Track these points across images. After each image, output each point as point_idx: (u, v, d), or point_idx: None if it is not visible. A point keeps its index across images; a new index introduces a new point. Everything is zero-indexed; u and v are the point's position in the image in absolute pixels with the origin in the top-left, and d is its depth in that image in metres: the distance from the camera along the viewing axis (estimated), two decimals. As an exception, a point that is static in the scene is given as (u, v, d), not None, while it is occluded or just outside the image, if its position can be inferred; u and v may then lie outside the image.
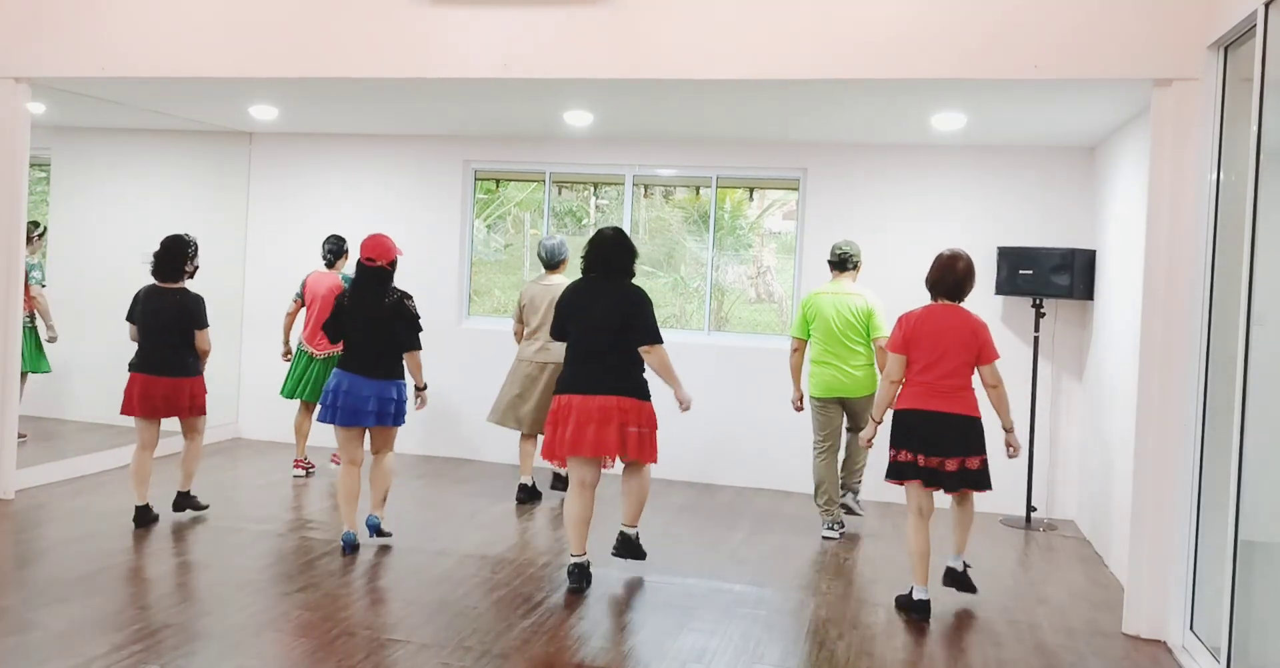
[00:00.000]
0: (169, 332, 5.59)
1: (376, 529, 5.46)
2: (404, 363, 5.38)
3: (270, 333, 8.19)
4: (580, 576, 4.94)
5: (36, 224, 7.10)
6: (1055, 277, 6.43)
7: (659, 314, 5.16)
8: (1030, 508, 6.68)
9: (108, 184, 8.10)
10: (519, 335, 6.65)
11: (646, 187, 8.26)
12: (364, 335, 5.29)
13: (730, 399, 7.32)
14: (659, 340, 4.93)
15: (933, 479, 4.67)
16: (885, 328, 5.86)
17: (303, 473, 7.07)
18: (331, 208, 8.12)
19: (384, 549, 5.40)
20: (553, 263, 6.58)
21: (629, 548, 5.19)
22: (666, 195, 8.95)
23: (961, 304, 4.84)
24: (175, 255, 5.63)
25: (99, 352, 7.87)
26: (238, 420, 8.25)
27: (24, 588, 4.60)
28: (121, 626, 4.17)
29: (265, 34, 5.62)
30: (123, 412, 5.67)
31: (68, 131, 8.08)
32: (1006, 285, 6.59)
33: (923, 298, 4.96)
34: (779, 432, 7.22)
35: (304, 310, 7.00)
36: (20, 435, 6.70)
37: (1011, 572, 5.57)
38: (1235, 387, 3.89)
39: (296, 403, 7.11)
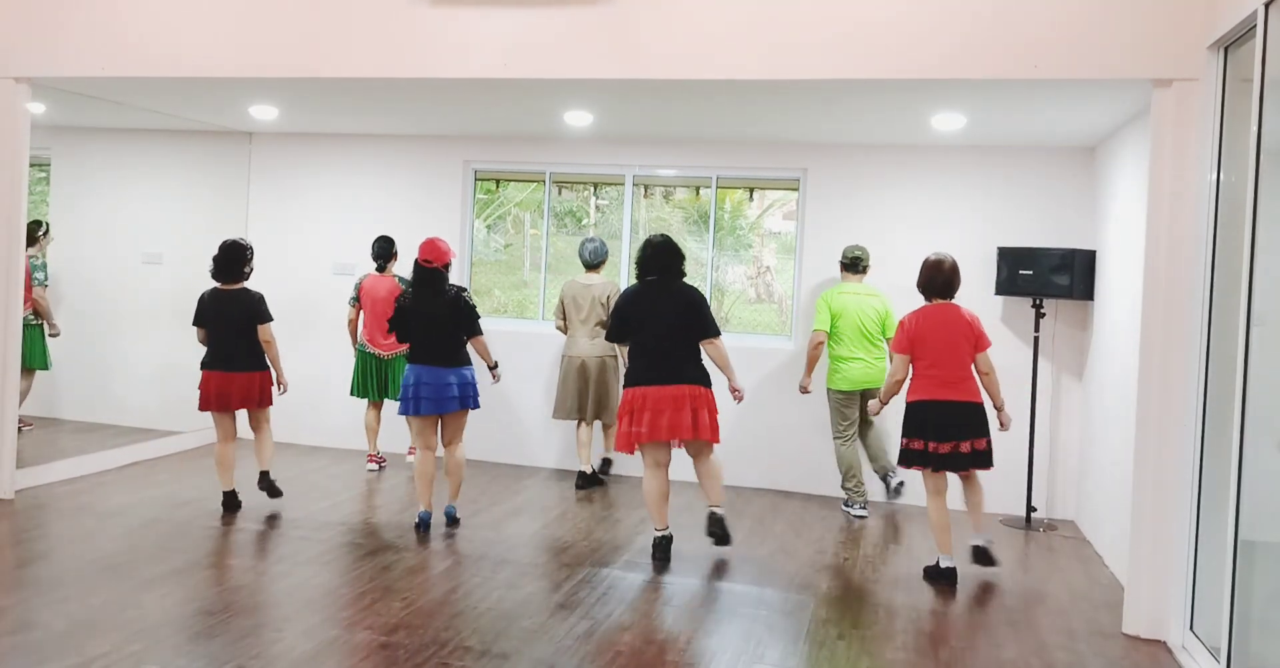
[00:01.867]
0: (236, 329, 6.01)
1: (453, 518, 5.93)
2: (468, 350, 5.85)
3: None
4: (664, 547, 5.47)
5: (40, 223, 7.17)
6: (1055, 277, 6.43)
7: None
8: (1030, 508, 6.69)
9: (108, 184, 8.09)
10: (563, 330, 7.11)
11: (646, 187, 8.26)
12: (430, 330, 5.72)
13: (730, 399, 7.30)
14: (718, 334, 5.48)
15: (945, 464, 5.14)
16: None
17: (376, 468, 7.31)
18: (331, 208, 8.12)
19: (384, 550, 5.41)
20: (594, 263, 7.05)
21: (720, 526, 5.49)
22: (666, 196, 8.95)
23: (953, 300, 5.30)
24: (235, 258, 6.04)
25: (99, 351, 7.89)
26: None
27: (24, 588, 4.60)
28: (121, 626, 4.18)
29: (265, 34, 5.62)
30: (200, 408, 6.06)
31: (68, 131, 8.08)
32: (1007, 285, 6.59)
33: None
34: (779, 432, 7.22)
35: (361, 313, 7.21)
36: (27, 425, 6.84)
37: (1011, 572, 5.57)
38: (1235, 387, 3.89)
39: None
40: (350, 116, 7.23)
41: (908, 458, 5.21)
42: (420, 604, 4.60)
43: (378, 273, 7.09)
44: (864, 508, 6.62)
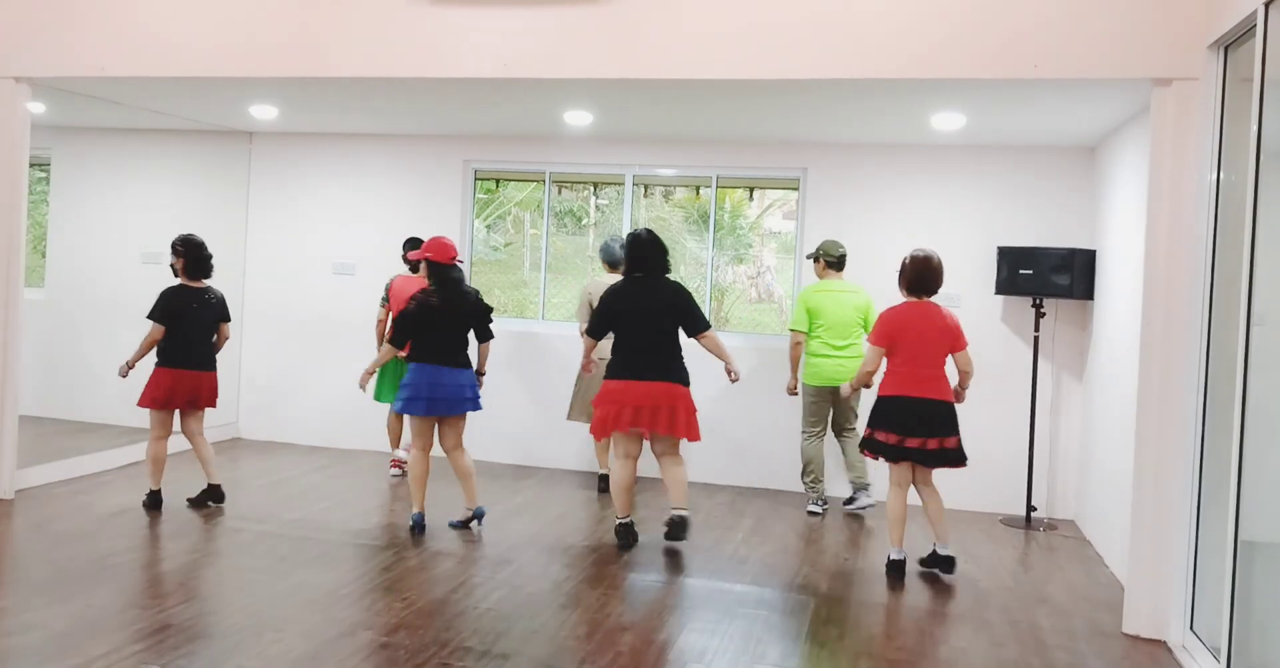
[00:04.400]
0: (199, 328, 6.07)
1: (481, 515, 5.91)
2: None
3: (269, 333, 8.22)
4: (626, 533, 5.63)
5: None
6: (1055, 277, 6.43)
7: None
8: (1030, 508, 6.69)
9: (108, 184, 8.10)
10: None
11: (646, 186, 8.26)
12: (450, 329, 5.73)
13: (730, 399, 7.31)
14: (709, 327, 5.60)
15: (907, 457, 5.23)
16: None
17: (400, 473, 7.18)
18: (332, 208, 8.12)
19: (384, 550, 5.41)
20: (617, 262, 6.69)
21: (680, 529, 5.53)
22: (666, 195, 8.96)
23: (933, 299, 5.35)
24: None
25: (98, 351, 7.88)
26: (238, 420, 8.25)
27: (24, 588, 4.60)
28: (121, 626, 4.17)
29: (265, 34, 5.62)
30: (142, 404, 5.95)
31: (68, 131, 8.08)
32: (1006, 285, 6.59)
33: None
34: (779, 432, 7.22)
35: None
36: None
37: (1011, 572, 5.57)
38: (1235, 387, 3.89)
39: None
40: (350, 116, 7.23)
41: (871, 446, 5.31)
42: (420, 604, 4.60)
43: (410, 273, 6.99)
44: (818, 504, 6.59)
